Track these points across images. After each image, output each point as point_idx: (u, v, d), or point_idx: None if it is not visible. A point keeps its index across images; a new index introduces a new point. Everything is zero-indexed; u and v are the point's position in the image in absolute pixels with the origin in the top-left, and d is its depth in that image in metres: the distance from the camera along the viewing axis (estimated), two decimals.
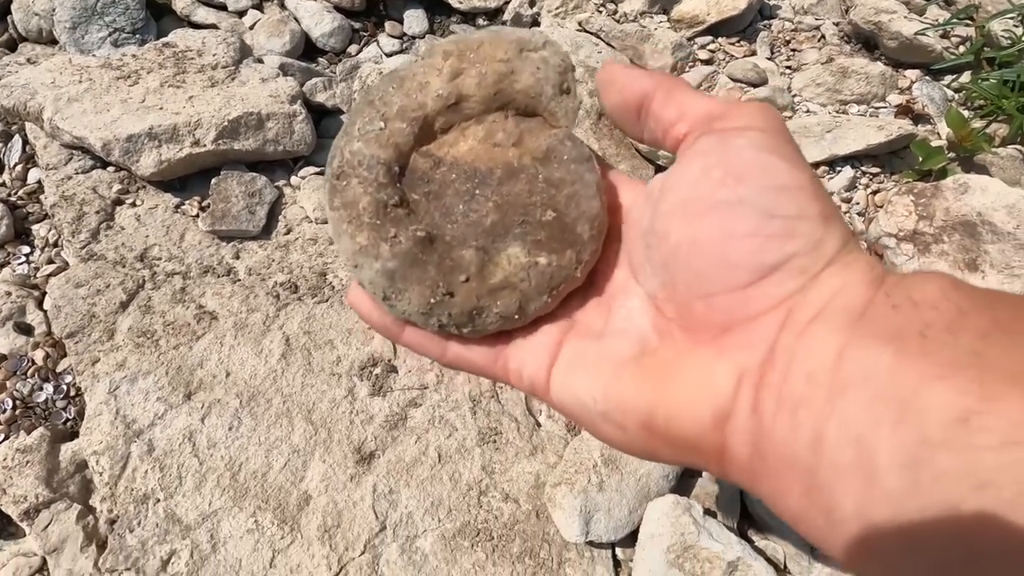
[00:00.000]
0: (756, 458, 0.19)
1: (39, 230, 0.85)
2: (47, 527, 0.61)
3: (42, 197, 0.86)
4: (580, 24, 1.13)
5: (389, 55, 1.09)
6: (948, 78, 1.09)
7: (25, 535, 0.63)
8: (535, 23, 1.18)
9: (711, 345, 0.21)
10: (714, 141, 0.22)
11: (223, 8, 1.09)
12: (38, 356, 0.74)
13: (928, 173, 0.92)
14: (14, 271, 0.81)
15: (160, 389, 0.68)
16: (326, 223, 0.88)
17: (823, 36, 1.16)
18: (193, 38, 0.98)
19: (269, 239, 0.85)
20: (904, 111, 1.02)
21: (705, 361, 0.21)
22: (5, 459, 0.64)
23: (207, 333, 0.73)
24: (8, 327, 0.75)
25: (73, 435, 0.68)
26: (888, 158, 0.97)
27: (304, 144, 0.90)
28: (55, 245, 0.84)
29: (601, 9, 1.17)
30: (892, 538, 0.15)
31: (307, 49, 1.09)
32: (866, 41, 1.15)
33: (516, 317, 0.26)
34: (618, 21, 1.14)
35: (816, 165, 0.96)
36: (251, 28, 1.08)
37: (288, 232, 0.86)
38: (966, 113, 1.00)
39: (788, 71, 1.11)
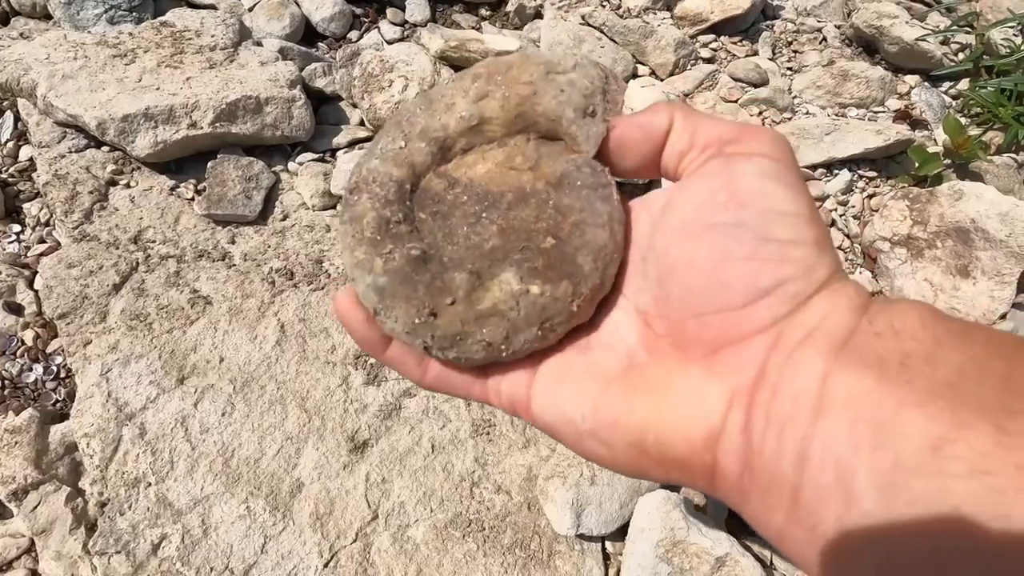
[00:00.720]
0: (745, 476, 0.19)
1: (30, 208, 0.84)
2: (35, 508, 0.61)
3: (34, 175, 0.85)
4: (583, 18, 1.12)
5: (390, 42, 1.08)
6: (946, 84, 1.09)
7: (13, 516, 0.63)
8: (538, 15, 1.17)
9: (702, 364, 0.21)
10: (722, 164, 0.23)
11: None
12: (28, 336, 0.73)
13: (924, 179, 0.93)
14: (4, 250, 0.80)
15: (153, 373, 0.67)
16: (323, 210, 0.88)
17: (825, 38, 1.16)
18: (191, 18, 0.96)
19: (265, 224, 0.84)
20: (902, 116, 1.02)
21: (696, 380, 0.21)
22: None
23: (201, 318, 0.73)
24: None
25: (63, 416, 0.68)
26: (885, 162, 0.98)
27: (303, 130, 0.90)
28: (47, 224, 0.82)
29: (605, 4, 1.16)
30: (868, 557, 0.16)
31: (307, 33, 1.08)
32: (867, 45, 1.15)
33: (503, 347, 0.25)
34: (621, 16, 1.14)
35: (814, 167, 0.97)
36: (250, 10, 1.06)
37: (285, 218, 0.85)
38: (963, 120, 1.01)
39: (789, 72, 1.11)
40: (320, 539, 0.60)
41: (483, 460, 0.67)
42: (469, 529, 0.62)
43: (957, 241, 0.85)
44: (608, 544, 0.64)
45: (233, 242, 0.81)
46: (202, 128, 0.83)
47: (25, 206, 0.84)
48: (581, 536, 0.63)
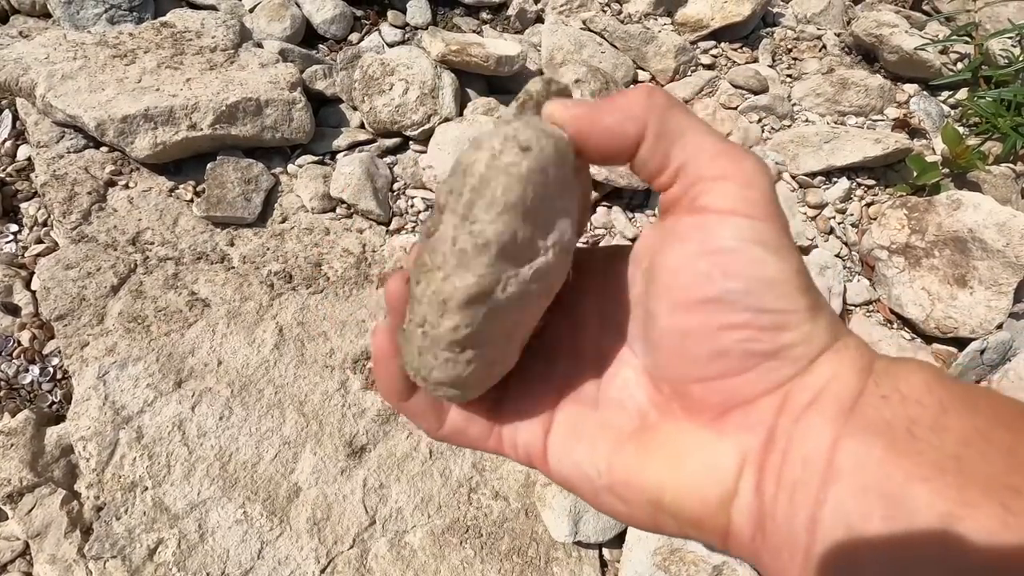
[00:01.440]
0: (758, 537, 0.20)
1: (28, 208, 0.83)
2: (31, 511, 0.61)
3: (32, 175, 0.85)
4: (584, 23, 1.13)
5: (391, 45, 1.08)
6: (945, 94, 1.10)
7: (7, 518, 0.62)
8: (539, 20, 1.17)
9: (711, 426, 0.22)
10: (696, 226, 0.22)
11: None
12: (24, 337, 0.72)
13: (922, 188, 0.93)
14: (1, 250, 0.80)
15: (150, 376, 0.67)
16: (323, 213, 0.87)
17: (824, 46, 1.16)
18: (192, 19, 0.96)
19: (264, 227, 0.84)
20: (901, 125, 1.03)
21: (707, 442, 0.22)
22: None
23: (199, 320, 0.72)
24: None
25: (59, 419, 0.68)
26: (883, 171, 0.99)
27: (303, 132, 0.89)
28: (44, 225, 0.82)
29: (606, 9, 1.17)
30: None
31: (308, 35, 1.08)
32: (866, 53, 1.16)
33: None
34: (622, 21, 1.14)
35: (813, 175, 0.97)
36: (251, 11, 1.06)
37: (284, 220, 0.85)
38: (961, 130, 1.01)
39: (789, 79, 1.12)
40: (317, 544, 0.59)
41: (481, 466, 0.67)
42: (466, 535, 0.62)
43: (955, 251, 0.85)
44: (605, 551, 0.64)
45: (232, 244, 0.81)
46: (202, 130, 0.83)
47: (23, 206, 0.84)
48: (578, 543, 0.63)
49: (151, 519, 0.58)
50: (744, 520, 0.20)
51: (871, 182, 0.97)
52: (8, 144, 0.88)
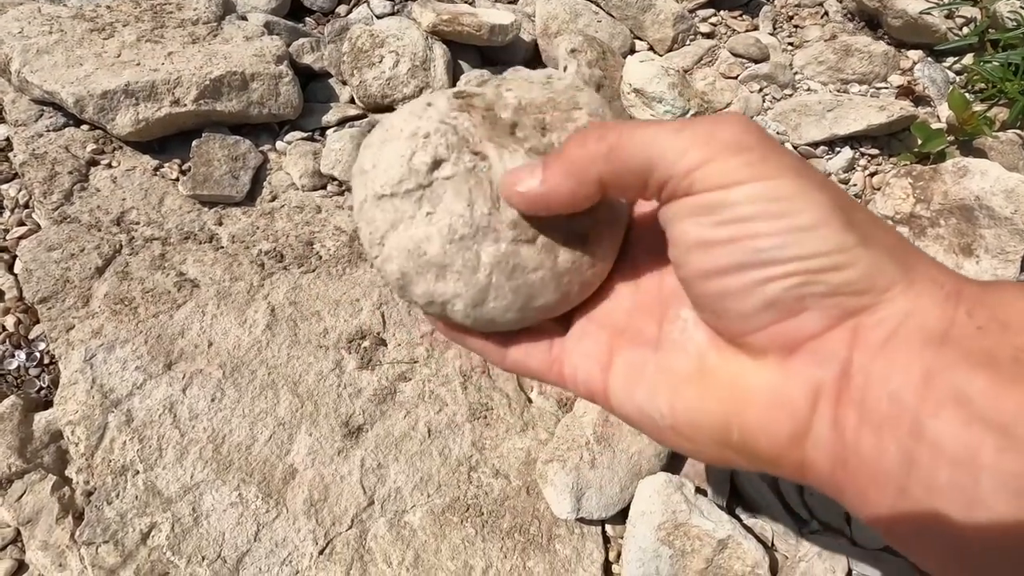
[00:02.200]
0: (839, 471, 0.19)
1: (8, 190, 0.81)
2: (20, 498, 0.59)
3: (10, 155, 0.82)
4: None
5: (380, 16, 1.05)
6: (950, 60, 1.07)
7: None
8: None
9: (777, 364, 0.21)
10: (704, 204, 0.21)
11: None
12: (9, 322, 0.70)
13: (926, 156, 0.91)
14: None
15: (139, 358, 0.65)
16: (313, 190, 0.85)
17: (826, 13, 1.13)
18: None
19: (253, 206, 0.82)
20: (905, 92, 1.00)
21: (775, 379, 0.21)
22: None
23: (188, 301, 0.70)
24: None
25: (47, 404, 0.66)
26: (887, 140, 0.96)
27: (290, 107, 0.87)
28: (26, 206, 0.80)
29: None
30: (1001, 556, 0.16)
31: (294, 7, 1.04)
32: (869, 19, 1.13)
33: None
34: None
35: (815, 145, 0.95)
36: None
37: (273, 199, 0.83)
38: (967, 96, 0.98)
39: (790, 48, 1.09)
40: (315, 526, 0.58)
41: (481, 444, 0.65)
42: (467, 514, 0.61)
43: (961, 219, 0.83)
44: (608, 527, 0.63)
45: (220, 224, 0.79)
46: (185, 105, 0.80)
47: (3, 187, 0.81)
48: (581, 520, 0.62)
49: (143, 503, 0.57)
50: (822, 455, 0.20)
51: (875, 151, 0.95)
52: None
